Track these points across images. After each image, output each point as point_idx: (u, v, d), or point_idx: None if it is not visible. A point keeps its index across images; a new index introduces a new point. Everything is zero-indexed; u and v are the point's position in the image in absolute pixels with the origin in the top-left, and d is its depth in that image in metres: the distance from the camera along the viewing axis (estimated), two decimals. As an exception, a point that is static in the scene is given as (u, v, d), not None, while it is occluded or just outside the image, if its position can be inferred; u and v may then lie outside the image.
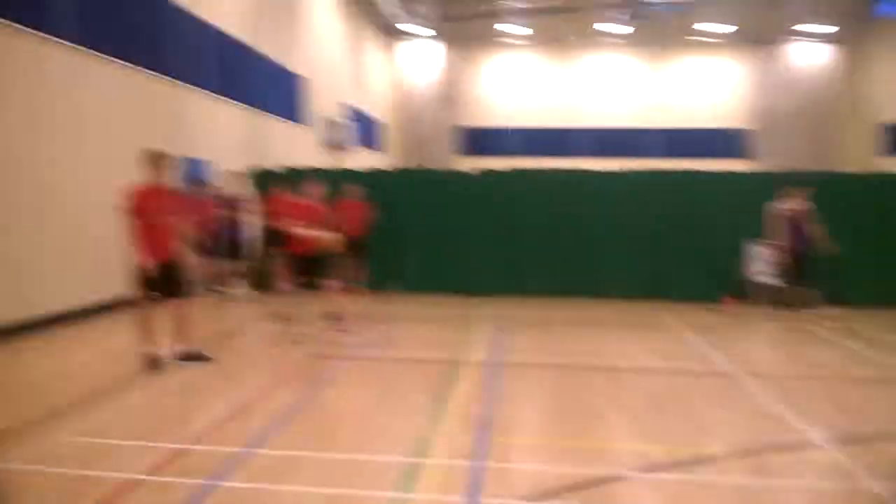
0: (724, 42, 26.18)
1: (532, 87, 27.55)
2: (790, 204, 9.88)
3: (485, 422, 4.91)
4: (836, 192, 10.57)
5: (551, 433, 4.80)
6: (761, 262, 10.82)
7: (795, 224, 9.79)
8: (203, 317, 8.97)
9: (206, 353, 6.33)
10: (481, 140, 27.30)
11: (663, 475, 4.07)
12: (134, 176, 6.26)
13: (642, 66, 27.01)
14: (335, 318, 7.98)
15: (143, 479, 3.81)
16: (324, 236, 7.73)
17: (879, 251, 10.82)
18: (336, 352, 7.03)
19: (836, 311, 9.85)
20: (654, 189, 11.41)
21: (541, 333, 8.36)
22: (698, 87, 26.65)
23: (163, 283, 6.02)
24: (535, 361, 6.85)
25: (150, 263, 5.90)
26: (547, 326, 8.82)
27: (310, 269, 7.68)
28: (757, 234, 10.89)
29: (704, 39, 26.17)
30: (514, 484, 3.87)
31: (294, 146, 16.03)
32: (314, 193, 8.76)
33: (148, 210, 5.95)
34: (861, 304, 10.37)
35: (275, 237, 10.76)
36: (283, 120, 15.78)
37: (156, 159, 6.11)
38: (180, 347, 6.21)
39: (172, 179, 6.28)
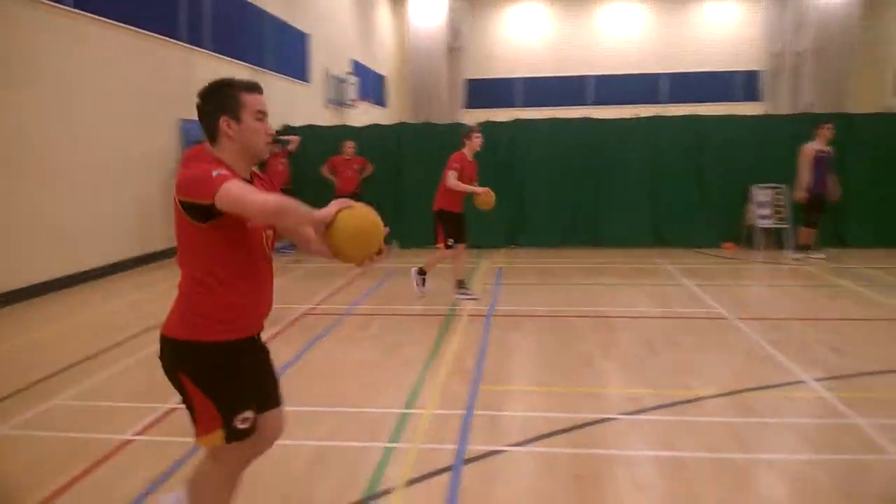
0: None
1: (539, 36, 26.92)
2: (819, 144, 9.64)
3: (478, 372, 4.99)
4: (842, 132, 10.33)
5: (543, 381, 4.87)
6: (763, 206, 10.75)
7: (821, 165, 9.59)
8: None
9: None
10: (489, 92, 26.88)
11: (651, 416, 4.14)
12: (132, 139, 6.25)
13: (652, 12, 26.26)
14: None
15: (136, 440, 3.93)
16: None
17: (883, 193, 10.71)
18: (333, 307, 7.12)
19: (835, 253, 9.90)
20: (658, 135, 11.26)
21: (538, 283, 8.40)
22: (710, 31, 25.92)
23: None
24: (531, 311, 6.89)
25: None
26: (545, 276, 8.85)
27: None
28: (761, 178, 10.80)
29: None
30: (504, 431, 3.96)
31: (297, 104, 15.92)
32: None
33: None
34: (860, 246, 10.44)
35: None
36: (286, 77, 15.63)
37: None
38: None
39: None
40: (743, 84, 25.64)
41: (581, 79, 26.66)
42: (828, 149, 9.56)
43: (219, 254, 2.29)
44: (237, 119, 2.31)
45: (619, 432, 3.95)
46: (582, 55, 26.55)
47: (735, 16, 25.82)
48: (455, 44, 26.51)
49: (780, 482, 3.40)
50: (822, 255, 9.70)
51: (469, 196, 7.36)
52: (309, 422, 4.12)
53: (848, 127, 10.48)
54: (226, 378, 2.35)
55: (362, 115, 20.67)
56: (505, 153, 11.33)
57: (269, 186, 2.52)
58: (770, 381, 4.74)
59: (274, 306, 2.55)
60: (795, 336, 5.89)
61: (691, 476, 3.40)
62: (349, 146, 10.95)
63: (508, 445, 3.74)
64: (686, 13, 26.11)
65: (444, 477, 3.40)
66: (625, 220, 11.16)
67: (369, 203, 2.48)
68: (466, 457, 3.60)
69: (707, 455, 3.61)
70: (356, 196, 11.07)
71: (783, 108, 23.30)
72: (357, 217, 2.29)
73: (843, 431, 3.90)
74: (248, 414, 2.38)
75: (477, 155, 6.84)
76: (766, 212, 10.69)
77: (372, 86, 23.26)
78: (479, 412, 4.20)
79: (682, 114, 11.81)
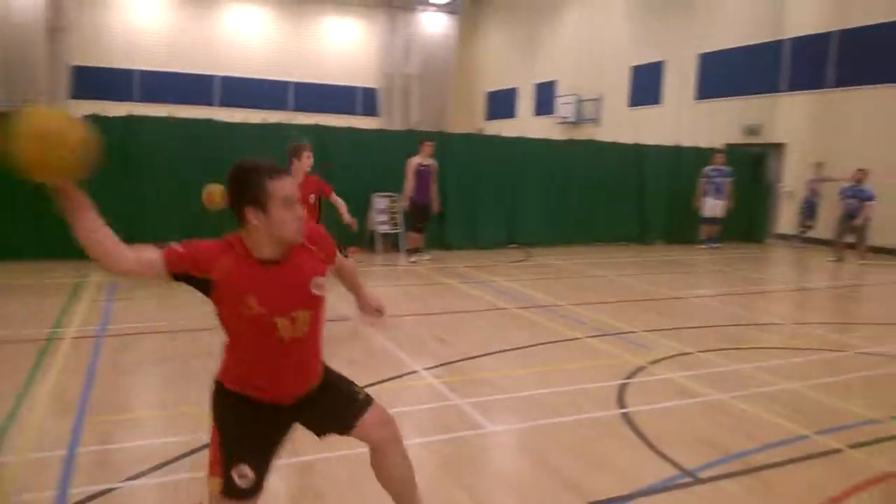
0: (357, 3, 27.15)
1: (160, 26, 25.04)
2: (422, 159, 10.75)
3: (84, 403, 4.38)
4: (442, 149, 11.78)
5: (163, 404, 4.51)
6: (381, 213, 11.74)
7: (422, 177, 10.71)
8: None
9: None
10: (101, 81, 23.99)
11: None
12: None
13: (276, 19, 26.57)
14: None
15: None
16: None
17: (474, 203, 12.58)
18: None
19: (441, 254, 11.34)
20: (284, 143, 11.37)
21: (150, 296, 7.69)
22: (332, 45, 27.28)
23: None
24: (148, 328, 6.33)
25: None
26: (158, 289, 8.23)
27: None
28: (380, 187, 11.73)
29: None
30: (118, 465, 3.54)
31: None
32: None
33: None
34: (459, 248, 12.14)
35: None
36: None
37: None
38: None
39: None
40: (362, 99, 27.63)
41: (207, 78, 25.64)
42: (429, 162, 10.81)
43: (225, 323, 2.32)
44: (263, 210, 2.22)
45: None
46: (207, 53, 25.53)
47: (353, 34, 27.65)
48: (57, 23, 23.09)
49: (397, 469, 3.69)
50: (429, 257, 10.98)
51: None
52: None
53: (447, 145, 12.01)
54: (235, 425, 2.35)
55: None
56: (118, 150, 10.18)
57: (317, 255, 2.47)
58: (389, 374, 5.14)
59: None
60: (409, 331, 6.53)
61: (318, 476, 3.49)
62: None
63: (122, 481, 3.36)
64: (309, 24, 27.07)
65: (40, 532, 2.90)
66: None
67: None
68: (70, 502, 3.12)
69: (331, 454, 3.73)
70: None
71: (397, 123, 25.78)
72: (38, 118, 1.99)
73: (449, 412, 4.43)
74: (246, 471, 2.31)
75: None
76: (384, 218, 11.68)
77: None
78: (87, 449, 3.69)
79: (308, 122, 12.18)
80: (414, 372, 5.24)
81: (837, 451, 3.97)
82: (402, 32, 27.34)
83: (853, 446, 4.02)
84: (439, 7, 27.24)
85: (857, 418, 4.50)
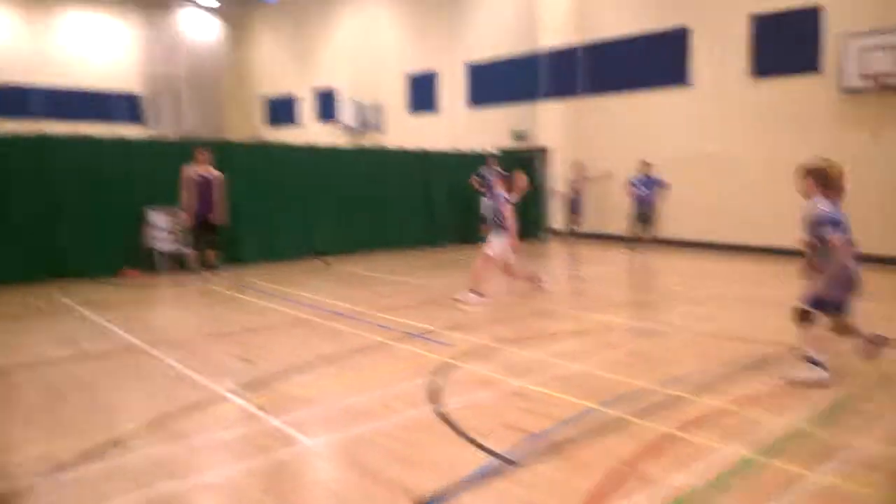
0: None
1: None
2: (199, 169, 10.10)
3: None
4: (226, 158, 11.21)
5: None
6: (161, 229, 10.88)
7: (203, 188, 10.05)
8: None
9: None
10: None
11: (76, 473, 3.69)
12: None
13: (15, 16, 23.32)
14: None
15: None
16: None
17: (263, 213, 12.19)
18: None
19: (233, 270, 10.82)
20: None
21: None
22: (85, 45, 24.61)
23: None
24: None
25: None
26: None
27: None
28: (155, 200, 10.88)
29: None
30: None
31: None
32: None
33: None
34: (252, 261, 11.72)
35: None
36: None
37: None
38: None
39: None
40: (125, 105, 25.33)
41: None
42: (210, 172, 10.17)
43: None
44: None
45: (42, 500, 3.40)
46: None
47: (106, 32, 25.18)
48: None
49: (220, 502, 3.50)
50: (222, 273, 10.37)
51: None
52: None
53: (226, 152, 11.42)
54: None
55: None
56: None
57: None
58: (189, 400, 4.83)
59: None
60: (207, 353, 6.17)
61: (128, 524, 3.19)
62: None
63: None
64: (52, 21, 24.17)
65: None
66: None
67: None
68: None
69: (141, 495, 3.44)
70: None
71: (167, 131, 24.05)
72: None
73: (262, 433, 4.27)
74: None
75: None
76: (164, 234, 10.84)
77: None
78: None
79: (67, 133, 10.91)
80: (218, 395, 4.97)
81: (622, 419, 4.50)
82: (163, 33, 25.62)
83: (634, 414, 4.58)
84: (199, 5, 26.03)
85: (631, 388, 5.14)
